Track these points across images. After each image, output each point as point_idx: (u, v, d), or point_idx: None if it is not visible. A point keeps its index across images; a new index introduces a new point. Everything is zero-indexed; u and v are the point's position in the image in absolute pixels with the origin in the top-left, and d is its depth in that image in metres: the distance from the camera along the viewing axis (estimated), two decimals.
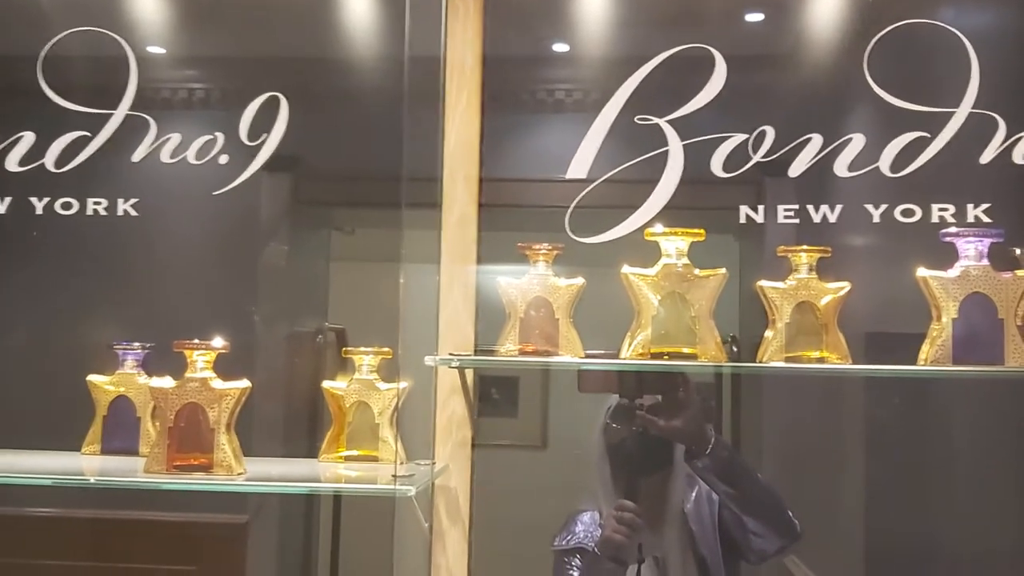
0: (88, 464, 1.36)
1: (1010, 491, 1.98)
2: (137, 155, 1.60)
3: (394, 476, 1.20)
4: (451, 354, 1.28)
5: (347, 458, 1.39)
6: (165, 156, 1.60)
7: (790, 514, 1.83)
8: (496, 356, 1.25)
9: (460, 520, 1.41)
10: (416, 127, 1.44)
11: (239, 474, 1.24)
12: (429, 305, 1.42)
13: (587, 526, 1.92)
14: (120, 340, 1.43)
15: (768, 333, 1.32)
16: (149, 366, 1.45)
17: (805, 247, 1.33)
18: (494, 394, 1.46)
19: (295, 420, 2.89)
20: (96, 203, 1.58)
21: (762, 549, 1.86)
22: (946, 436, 2.16)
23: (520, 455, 3.75)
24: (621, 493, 1.78)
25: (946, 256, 1.22)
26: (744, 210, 1.45)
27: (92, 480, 1.22)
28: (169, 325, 2.11)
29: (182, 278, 2.51)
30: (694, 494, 1.86)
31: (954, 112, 1.35)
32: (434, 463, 1.40)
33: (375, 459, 1.39)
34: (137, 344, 1.43)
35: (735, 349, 2.86)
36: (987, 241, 1.19)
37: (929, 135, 1.36)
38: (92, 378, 1.43)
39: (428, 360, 1.23)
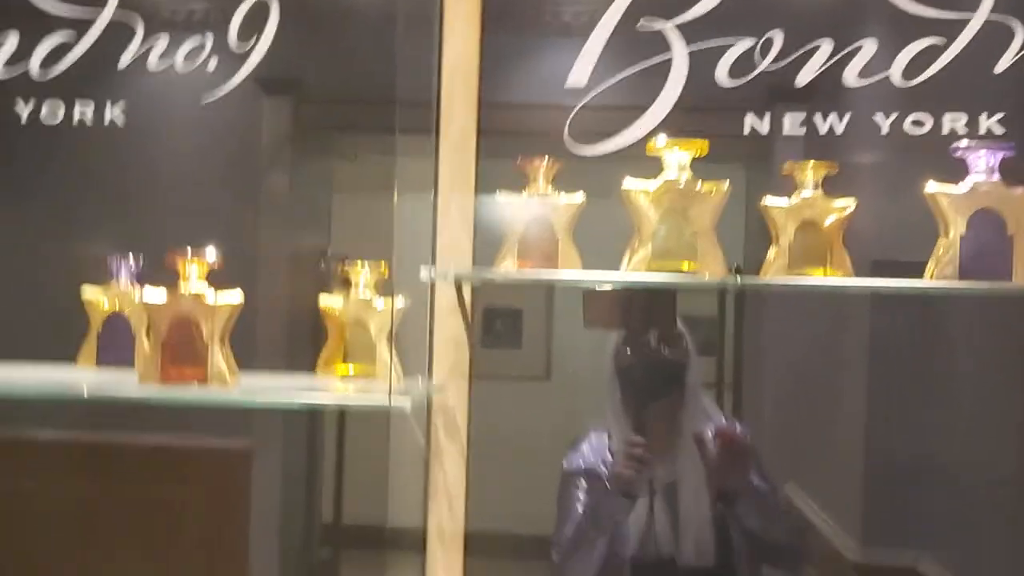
0: (83, 378, 1.35)
1: (1013, 409, 1.97)
2: (123, 61, 1.56)
3: (389, 391, 1.19)
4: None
5: (344, 375, 1.38)
6: (152, 63, 1.56)
7: (809, 547, 1.81)
8: (493, 271, 1.23)
9: (458, 439, 1.41)
10: (413, 47, 1.40)
11: (232, 387, 1.23)
12: (427, 229, 1.40)
13: (595, 448, 1.91)
14: (113, 253, 1.41)
15: (772, 252, 1.30)
16: (144, 280, 1.43)
17: (812, 162, 1.30)
18: (498, 326, 1.43)
19: (295, 344, 2.89)
20: (83, 111, 1.55)
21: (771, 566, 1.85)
22: (949, 356, 2.15)
23: (524, 387, 3.78)
24: (631, 417, 1.77)
25: (956, 172, 1.19)
26: (749, 120, 1.41)
27: (86, 393, 1.21)
28: (162, 239, 2.09)
29: (173, 192, 2.49)
30: (711, 434, 1.84)
31: (970, 18, 1.30)
32: (431, 380, 1.38)
33: (372, 375, 1.38)
34: (131, 256, 1.41)
35: (739, 279, 2.83)
36: (999, 155, 1.16)
37: (943, 42, 1.31)
38: (86, 291, 1.41)
39: (424, 273, 1.20)
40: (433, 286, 1.34)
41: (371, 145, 3.38)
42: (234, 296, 1.23)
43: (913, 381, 2.29)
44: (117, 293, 1.41)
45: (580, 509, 1.83)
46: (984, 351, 2.04)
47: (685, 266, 1.20)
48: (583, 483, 1.87)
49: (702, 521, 1.81)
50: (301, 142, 2.90)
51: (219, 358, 1.21)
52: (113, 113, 1.69)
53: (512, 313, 3.91)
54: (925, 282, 1.18)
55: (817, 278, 1.24)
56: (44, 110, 1.63)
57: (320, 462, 3.20)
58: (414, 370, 1.43)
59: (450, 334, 1.39)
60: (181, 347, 1.20)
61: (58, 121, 1.67)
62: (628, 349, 1.82)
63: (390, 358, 1.36)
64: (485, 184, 1.38)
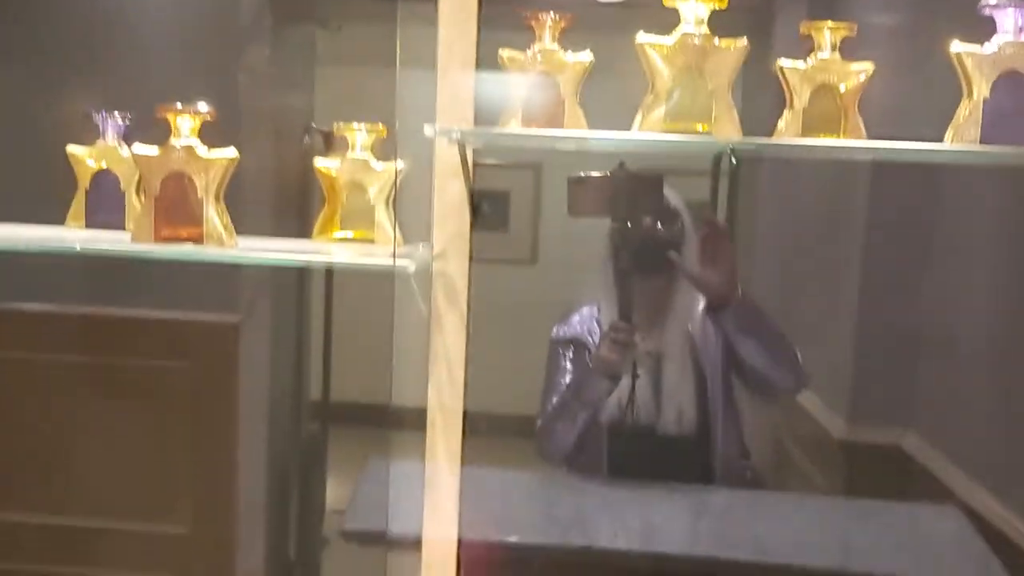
0: (73, 236, 1.31)
1: (1004, 287, 1.98)
2: None
3: (393, 253, 1.16)
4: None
5: (341, 239, 1.35)
6: None
7: (799, 365, 1.86)
8: (499, 130, 1.18)
9: (458, 305, 1.39)
10: None
11: (230, 246, 1.20)
12: (420, 98, 1.34)
13: (584, 319, 1.94)
14: (99, 109, 1.35)
15: (785, 115, 1.25)
16: (130, 140, 1.38)
17: (829, 23, 1.24)
18: (484, 208, 1.39)
19: (280, 214, 2.85)
20: None
21: (767, 390, 1.89)
22: (946, 232, 2.14)
23: (510, 270, 3.76)
24: (623, 295, 1.78)
25: (983, 33, 1.14)
26: None
27: (78, 247, 1.17)
28: (137, 103, 2.02)
29: (145, 57, 2.41)
30: (701, 307, 1.87)
31: None
32: (432, 245, 1.35)
33: (371, 241, 1.34)
34: (117, 113, 1.35)
35: (733, 161, 2.80)
36: None
37: None
38: (72, 149, 1.36)
39: (427, 130, 1.16)
40: (435, 146, 1.30)
41: (356, 13, 3.26)
42: (228, 151, 1.18)
43: (908, 259, 2.29)
44: (104, 150, 1.35)
45: (566, 379, 1.87)
46: (983, 226, 2.03)
47: (700, 128, 1.16)
48: (570, 352, 1.91)
49: (686, 392, 1.85)
50: (282, 9, 2.80)
51: (215, 215, 1.17)
52: None
53: (499, 196, 3.87)
54: (944, 146, 1.15)
55: (832, 141, 1.20)
56: None
57: (308, 337, 3.21)
58: (412, 237, 1.39)
59: (449, 199, 1.35)
60: (175, 204, 1.16)
61: None
62: (624, 227, 1.81)
63: (391, 219, 1.32)
64: (488, 45, 1.32)
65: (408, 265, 1.13)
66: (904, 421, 2.31)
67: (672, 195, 1.92)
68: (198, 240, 1.18)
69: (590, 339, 1.94)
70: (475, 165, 1.33)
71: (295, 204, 2.98)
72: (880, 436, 2.32)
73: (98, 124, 1.35)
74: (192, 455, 2.78)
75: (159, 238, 1.17)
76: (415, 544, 1.53)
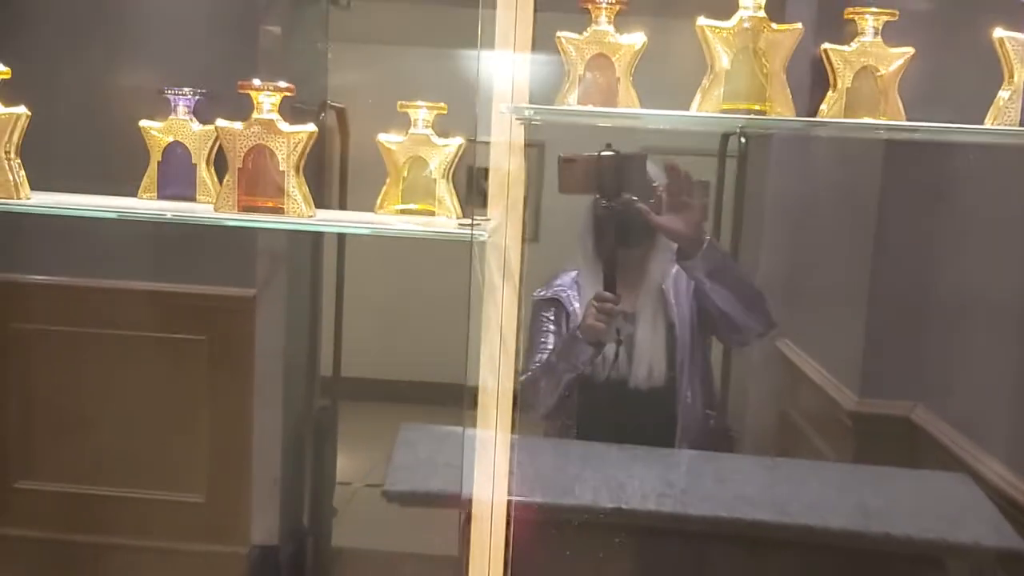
0: (156, 206, 1.37)
1: (1014, 264, 2.06)
2: None
3: (471, 223, 1.22)
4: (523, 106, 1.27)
5: (403, 211, 1.41)
6: None
7: (768, 307, 2.00)
8: (572, 107, 1.24)
9: (512, 277, 1.45)
10: None
11: (309, 216, 1.26)
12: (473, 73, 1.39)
13: (564, 282, 2.07)
14: (171, 86, 1.40)
15: (829, 96, 1.32)
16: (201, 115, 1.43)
17: (872, 9, 1.31)
18: (484, 185, 1.46)
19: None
20: None
21: (738, 335, 2.03)
22: (958, 211, 2.22)
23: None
24: (606, 265, 1.91)
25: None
26: None
27: (169, 215, 1.23)
28: (165, 76, 2.08)
29: (159, 38, 2.45)
30: (674, 270, 1.99)
31: None
32: (489, 219, 1.42)
33: (431, 213, 1.40)
34: (188, 90, 1.41)
35: (743, 140, 2.88)
36: None
37: None
38: (144, 124, 1.41)
39: (503, 108, 1.22)
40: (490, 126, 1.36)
41: None
42: (308, 126, 1.24)
43: (918, 236, 2.37)
44: (175, 125, 1.41)
45: (548, 339, 1.99)
46: (993, 203, 2.11)
47: (756, 107, 1.23)
48: (551, 313, 2.03)
49: (657, 348, 1.97)
50: None
51: (295, 186, 1.23)
52: None
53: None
54: (987, 127, 1.22)
55: (875, 121, 1.27)
56: None
57: (321, 312, 3.26)
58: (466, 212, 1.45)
59: (503, 176, 1.42)
60: (257, 176, 1.22)
61: None
62: (604, 200, 1.93)
63: (451, 193, 1.38)
64: (544, 27, 1.38)
65: (482, 234, 1.20)
66: (914, 394, 2.40)
67: (655, 171, 2.03)
68: (279, 210, 1.24)
69: (570, 301, 2.06)
70: (476, 143, 1.40)
71: (313, 180, 3.03)
72: (891, 408, 2.40)
73: (169, 100, 1.40)
74: (208, 426, 2.84)
75: (242, 207, 1.23)
76: (456, 502, 1.61)
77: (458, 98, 1.44)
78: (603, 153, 1.90)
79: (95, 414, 2.82)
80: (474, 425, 1.52)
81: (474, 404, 1.50)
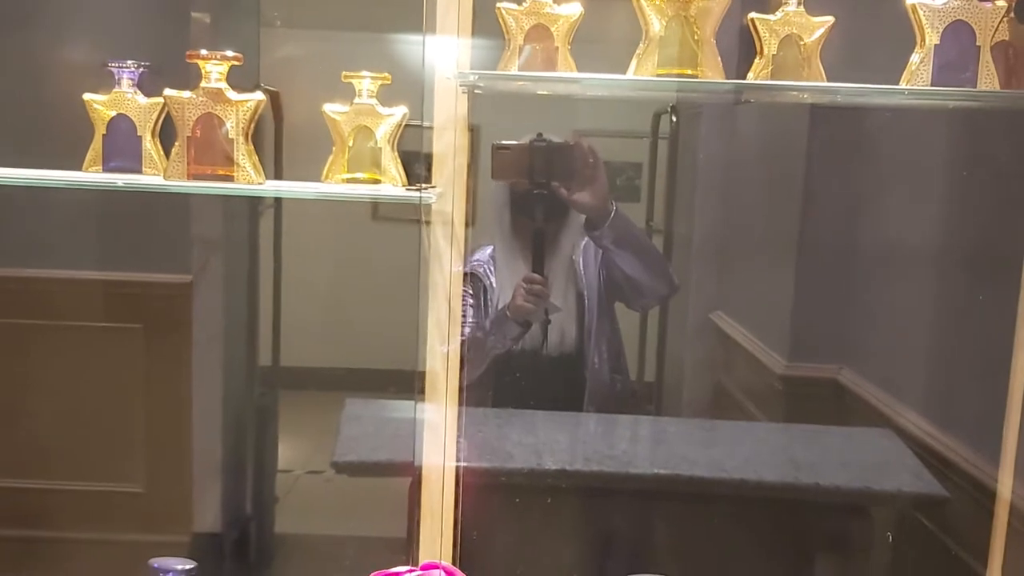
0: (99, 177, 1.37)
1: (936, 228, 2.17)
2: None
3: (419, 187, 1.26)
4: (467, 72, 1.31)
5: (349, 180, 1.44)
6: None
7: (670, 270, 2.13)
8: (512, 73, 1.29)
9: (457, 244, 1.50)
10: None
11: (259, 184, 1.28)
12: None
13: (483, 258, 2.16)
14: (114, 59, 1.41)
15: (756, 63, 1.39)
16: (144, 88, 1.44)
17: None
18: (418, 170, 1.50)
19: None
20: None
21: (643, 299, 2.16)
22: (883, 174, 2.34)
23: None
24: (517, 240, 2.01)
25: None
26: None
27: (120, 183, 1.24)
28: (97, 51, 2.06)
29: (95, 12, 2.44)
30: (583, 242, 2.10)
31: None
32: (434, 186, 1.46)
33: (377, 182, 1.44)
34: (132, 62, 1.41)
35: (674, 119, 2.96)
36: None
37: None
38: (88, 97, 1.42)
39: (447, 75, 1.26)
40: (433, 96, 1.39)
41: None
42: (256, 94, 1.26)
43: (846, 204, 2.48)
44: (119, 98, 1.42)
45: (468, 312, 2.08)
46: (918, 168, 2.22)
47: (689, 72, 1.29)
48: (469, 287, 2.11)
49: (567, 316, 2.08)
50: None
51: (244, 155, 1.25)
52: None
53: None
54: (901, 88, 1.30)
55: (800, 83, 1.35)
56: None
57: (259, 298, 3.25)
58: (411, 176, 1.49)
59: (447, 144, 1.46)
60: (207, 144, 1.24)
61: None
62: (535, 188, 2.02)
63: (396, 162, 1.42)
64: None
65: (430, 196, 1.24)
66: (840, 357, 2.51)
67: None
68: (229, 178, 1.26)
69: (487, 275, 2.16)
70: (406, 127, 1.44)
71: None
72: (818, 372, 2.51)
73: (113, 72, 1.41)
74: (146, 415, 2.83)
75: (192, 176, 1.25)
76: (406, 470, 1.65)
77: (394, 78, 1.47)
78: (535, 141, 2.01)
79: (29, 406, 2.78)
80: (423, 393, 1.56)
81: (422, 376, 1.54)
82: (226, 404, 2.98)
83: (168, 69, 1.50)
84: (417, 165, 1.49)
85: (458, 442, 1.57)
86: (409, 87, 1.49)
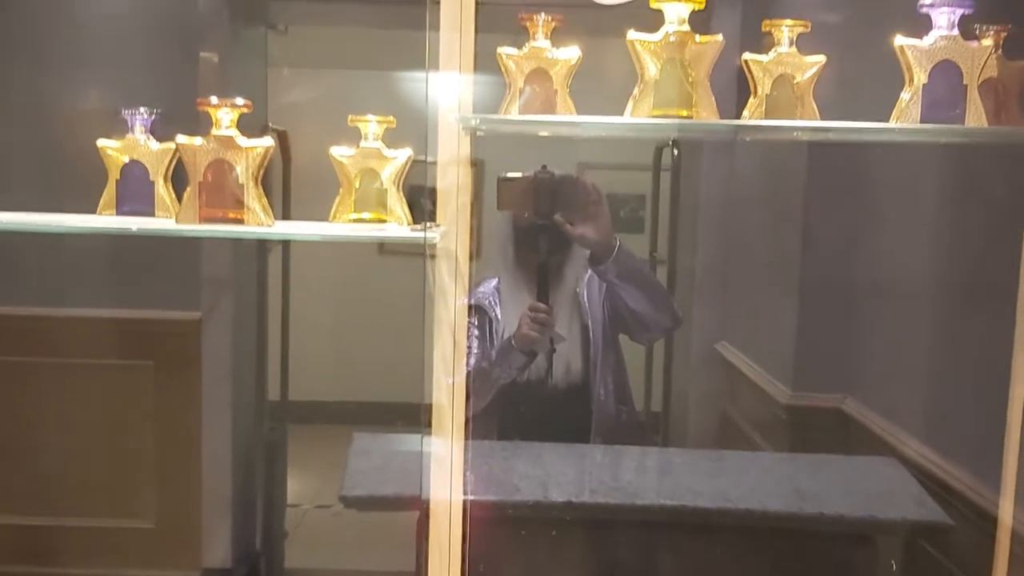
0: (113, 222, 1.41)
1: (935, 260, 2.20)
2: None
3: (424, 226, 1.29)
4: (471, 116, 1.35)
5: (356, 220, 1.48)
6: None
7: (674, 304, 2.16)
8: (512, 117, 1.33)
9: (462, 280, 1.53)
10: None
11: (269, 226, 1.32)
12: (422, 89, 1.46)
13: (486, 290, 2.19)
14: (127, 106, 1.46)
15: (751, 102, 1.43)
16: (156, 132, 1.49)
17: (788, 22, 1.43)
18: (424, 204, 1.54)
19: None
20: None
21: (647, 332, 2.18)
22: (881, 206, 2.37)
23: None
24: (522, 273, 2.04)
25: (922, 28, 1.34)
26: None
27: (134, 228, 1.28)
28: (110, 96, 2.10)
29: (105, 57, 2.50)
30: (587, 275, 2.14)
31: None
32: (439, 224, 1.49)
33: (383, 221, 1.47)
34: (144, 109, 1.46)
35: (675, 152, 3.00)
36: (958, 12, 1.31)
37: None
38: (102, 143, 1.46)
39: (452, 118, 1.30)
40: (437, 135, 1.43)
41: (301, 15, 3.37)
42: (265, 140, 1.31)
43: (845, 237, 2.51)
44: (132, 144, 1.46)
45: (474, 344, 2.10)
46: (917, 200, 2.26)
47: (683, 113, 1.33)
48: (475, 319, 2.14)
49: (572, 348, 2.11)
50: (237, 12, 2.89)
51: (255, 199, 1.29)
52: None
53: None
54: (891, 125, 1.34)
55: (793, 122, 1.39)
56: None
57: (267, 334, 3.29)
58: (417, 215, 1.52)
59: (453, 180, 1.49)
60: (218, 188, 1.28)
61: None
62: (539, 218, 2.06)
63: (402, 202, 1.46)
64: (485, 44, 1.46)
65: (435, 236, 1.27)
66: (844, 387, 2.53)
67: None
68: (240, 221, 1.30)
69: (492, 307, 2.18)
70: (414, 163, 1.48)
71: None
72: (822, 401, 2.53)
73: (126, 120, 1.45)
74: (157, 451, 2.85)
75: (203, 219, 1.29)
76: (414, 504, 1.67)
77: (397, 117, 1.52)
78: (539, 173, 2.05)
79: (41, 443, 2.81)
80: (429, 426, 1.59)
81: (429, 410, 1.56)
82: (235, 439, 3.01)
83: (179, 113, 1.55)
84: (423, 199, 1.53)
85: (465, 476, 1.59)
86: (413, 123, 1.53)
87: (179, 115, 1.55)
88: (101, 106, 2.55)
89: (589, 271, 2.18)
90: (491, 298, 2.22)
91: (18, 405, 2.81)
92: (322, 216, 1.50)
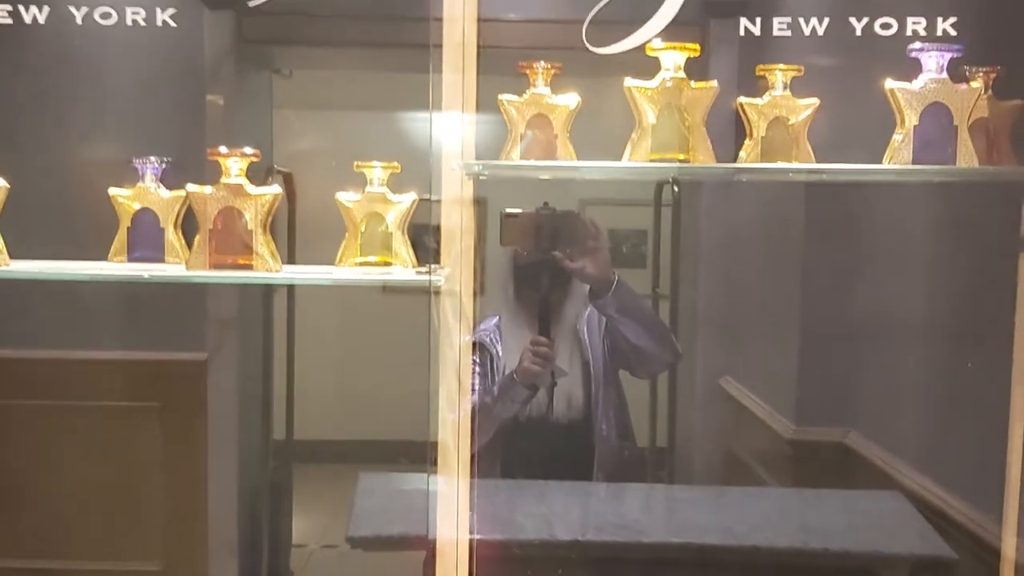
0: (124, 268, 1.44)
1: (935, 294, 2.23)
2: None
3: (429, 269, 1.32)
4: (473, 161, 1.39)
5: (362, 263, 1.51)
6: None
7: (673, 339, 2.18)
8: (514, 162, 1.36)
9: (466, 320, 1.55)
10: None
11: (277, 271, 1.35)
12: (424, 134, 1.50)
13: (487, 328, 2.21)
14: (138, 155, 1.49)
15: (746, 144, 1.46)
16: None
17: (781, 65, 1.46)
18: (428, 242, 1.57)
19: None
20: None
21: (648, 366, 2.20)
22: (879, 244, 2.40)
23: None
24: (522, 310, 2.07)
25: (912, 70, 1.38)
26: (743, 23, 1.57)
27: (146, 276, 1.31)
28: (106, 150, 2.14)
29: (113, 104, 2.55)
30: (587, 312, 2.16)
31: None
32: (444, 267, 1.52)
33: (388, 264, 1.50)
34: (155, 158, 1.49)
35: (675, 189, 3.04)
36: (947, 56, 1.34)
37: None
38: (113, 191, 1.49)
39: (454, 165, 1.33)
40: (441, 180, 1.47)
41: (307, 60, 3.43)
42: (273, 188, 1.34)
43: (842, 274, 2.54)
44: (143, 192, 1.49)
45: (476, 381, 2.12)
46: (914, 238, 2.28)
47: (680, 156, 1.36)
48: (476, 356, 2.16)
49: (572, 384, 2.13)
50: (243, 57, 2.95)
51: (263, 245, 1.32)
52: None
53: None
54: (884, 166, 1.37)
55: (788, 164, 1.42)
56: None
57: (272, 374, 3.31)
58: (422, 257, 1.55)
59: (456, 223, 1.52)
60: (227, 235, 1.31)
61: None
62: (542, 252, 2.10)
63: (407, 245, 1.49)
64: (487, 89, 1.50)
65: (439, 280, 1.30)
66: (847, 420, 2.54)
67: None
68: (249, 266, 1.33)
69: (493, 344, 2.20)
70: (419, 201, 1.52)
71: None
72: (826, 435, 2.54)
73: (137, 169, 1.49)
74: (163, 493, 2.85)
75: (213, 265, 1.32)
76: (420, 544, 1.68)
77: (400, 158, 1.55)
78: (541, 210, 2.09)
79: (47, 486, 2.81)
80: (435, 465, 1.60)
81: (434, 448, 1.58)
82: (241, 479, 3.01)
83: (186, 157, 1.59)
84: (425, 237, 1.56)
85: (471, 515, 1.61)
86: (415, 163, 1.57)
87: (186, 159, 1.59)
88: (110, 152, 2.59)
89: (588, 308, 2.21)
90: (492, 335, 2.24)
91: (24, 448, 2.82)
92: (326, 255, 1.53)
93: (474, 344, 2.17)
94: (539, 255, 2.12)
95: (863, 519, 2.07)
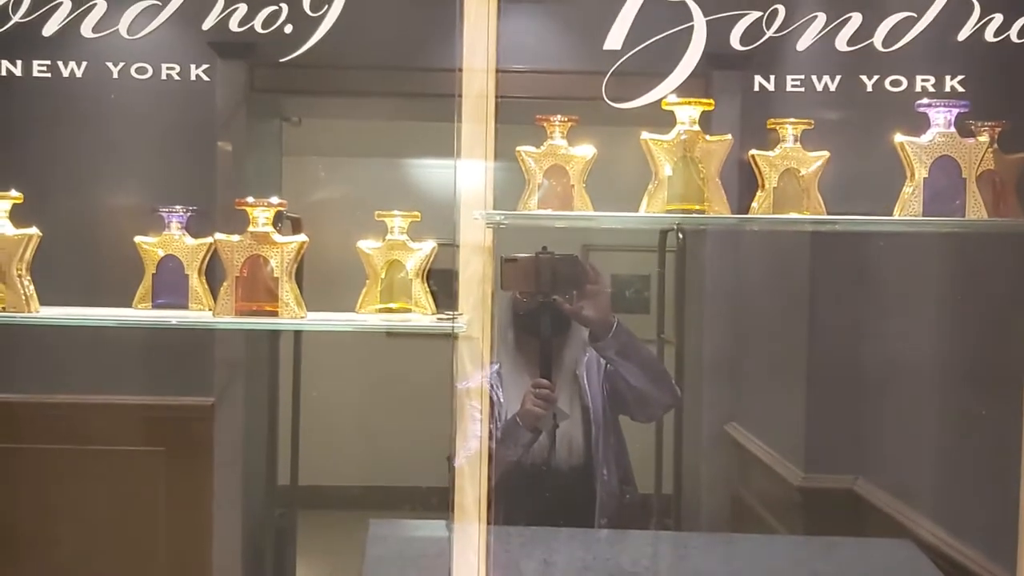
0: (156, 315, 1.46)
1: (942, 343, 2.25)
2: (206, 23, 1.68)
3: (450, 316, 1.35)
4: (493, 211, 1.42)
5: (383, 310, 1.53)
6: (233, 25, 1.68)
7: (672, 382, 2.20)
8: (533, 212, 1.40)
9: (484, 367, 1.58)
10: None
11: (301, 317, 1.37)
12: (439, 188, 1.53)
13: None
14: (164, 205, 1.52)
15: (758, 196, 1.50)
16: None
17: (792, 119, 1.51)
18: (433, 287, 1.60)
19: None
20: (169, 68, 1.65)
21: (648, 409, 2.22)
22: (886, 295, 2.42)
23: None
24: (522, 356, 2.09)
25: (920, 125, 1.42)
26: (758, 79, 1.62)
27: (174, 322, 1.33)
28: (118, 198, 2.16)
29: (128, 153, 2.59)
30: (586, 357, 2.18)
31: None
32: (461, 314, 1.55)
33: (408, 311, 1.53)
34: (180, 207, 1.53)
35: (680, 236, 3.07)
36: (955, 111, 1.39)
37: (915, 15, 1.56)
38: (139, 239, 1.52)
39: (476, 215, 1.36)
40: (459, 229, 1.50)
41: (314, 109, 3.49)
42: (300, 236, 1.37)
43: (851, 322, 2.56)
44: (168, 240, 1.52)
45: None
46: (918, 288, 2.31)
47: (696, 207, 1.40)
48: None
49: (573, 429, 2.14)
50: (253, 106, 3.00)
51: (288, 292, 1.35)
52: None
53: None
54: (895, 218, 1.41)
55: (801, 216, 1.45)
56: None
57: (279, 419, 3.31)
58: (440, 304, 1.58)
59: (474, 270, 1.55)
60: (253, 282, 1.34)
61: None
62: (541, 296, 2.12)
63: (426, 292, 1.51)
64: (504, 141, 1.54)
65: (461, 327, 1.33)
66: (856, 467, 2.55)
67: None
68: (274, 313, 1.35)
69: (494, 390, 2.22)
70: (455, 247, 1.54)
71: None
72: (835, 482, 2.55)
73: (163, 217, 1.52)
74: (167, 538, 2.85)
75: (239, 312, 1.34)
76: None
77: (409, 203, 1.58)
78: (540, 254, 2.12)
79: (53, 530, 2.80)
80: (451, 511, 1.61)
81: (452, 491, 1.59)
82: (246, 525, 3.00)
83: (200, 204, 1.62)
84: (430, 282, 1.58)
85: (487, 559, 1.61)
86: (426, 209, 1.60)
87: (200, 205, 1.61)
88: (126, 201, 2.62)
89: (587, 354, 2.23)
90: (493, 381, 2.25)
91: (29, 491, 2.82)
92: (335, 299, 1.55)
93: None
94: (538, 299, 2.15)
95: (873, 567, 2.07)
